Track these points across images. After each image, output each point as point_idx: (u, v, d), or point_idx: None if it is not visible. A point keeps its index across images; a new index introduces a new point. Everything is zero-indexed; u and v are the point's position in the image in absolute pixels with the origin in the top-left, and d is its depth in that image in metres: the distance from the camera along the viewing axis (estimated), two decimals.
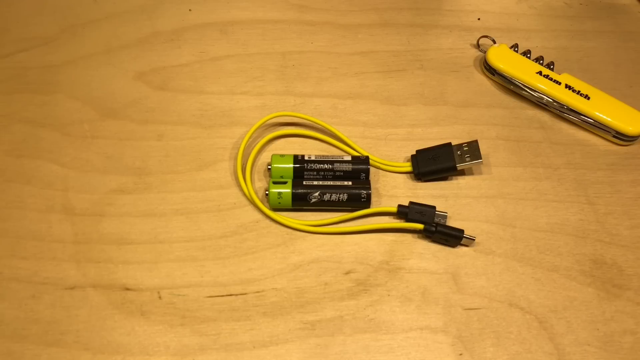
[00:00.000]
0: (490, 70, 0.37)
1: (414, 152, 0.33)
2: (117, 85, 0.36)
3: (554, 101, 0.36)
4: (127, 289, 0.29)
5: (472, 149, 0.32)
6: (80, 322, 0.28)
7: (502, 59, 0.37)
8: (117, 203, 0.32)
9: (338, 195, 0.31)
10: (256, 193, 0.32)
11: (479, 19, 0.42)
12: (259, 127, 0.34)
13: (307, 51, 0.39)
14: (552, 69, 0.37)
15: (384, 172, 0.34)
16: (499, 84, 0.38)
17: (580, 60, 0.39)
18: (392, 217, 0.32)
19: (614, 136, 0.35)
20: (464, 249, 0.31)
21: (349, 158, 0.32)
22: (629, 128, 0.34)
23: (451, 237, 0.30)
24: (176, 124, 0.35)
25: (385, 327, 0.28)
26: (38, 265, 0.29)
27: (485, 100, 0.37)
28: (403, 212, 0.31)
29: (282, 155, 0.32)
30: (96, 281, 0.29)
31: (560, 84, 0.36)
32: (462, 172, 0.34)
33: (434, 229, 0.30)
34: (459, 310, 0.29)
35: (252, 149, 0.33)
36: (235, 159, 0.33)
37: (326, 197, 0.31)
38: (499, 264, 0.30)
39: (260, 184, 0.33)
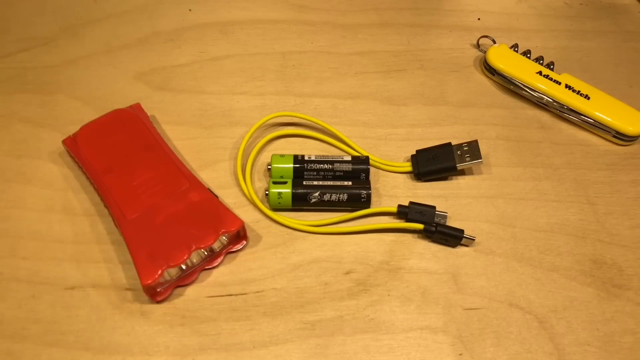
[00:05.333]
0: (490, 70, 0.37)
1: (414, 152, 0.33)
2: (117, 85, 0.36)
3: (554, 101, 0.36)
4: (127, 289, 0.29)
5: (472, 149, 0.32)
6: (80, 322, 0.28)
7: (502, 59, 0.37)
8: None
9: (338, 195, 0.31)
10: (256, 193, 0.32)
11: (479, 19, 0.42)
12: (259, 127, 0.34)
13: (307, 51, 0.39)
14: (552, 69, 0.37)
15: (384, 172, 0.34)
16: (499, 84, 0.38)
17: (580, 60, 0.39)
18: (392, 217, 0.32)
19: (614, 136, 0.35)
20: (464, 249, 0.31)
21: (349, 158, 0.32)
22: (629, 128, 0.34)
23: (451, 237, 0.30)
24: (176, 124, 0.35)
25: (385, 327, 0.28)
26: (38, 265, 0.29)
27: (485, 100, 0.37)
28: (403, 212, 0.31)
29: (282, 155, 0.32)
30: (96, 281, 0.29)
31: (560, 84, 0.36)
32: (462, 172, 0.34)
33: (434, 229, 0.30)
34: (459, 310, 0.29)
35: (252, 149, 0.33)
36: (235, 159, 0.33)
37: (326, 197, 0.31)
38: (499, 264, 0.30)
39: (260, 184, 0.33)
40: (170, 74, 0.37)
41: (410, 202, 0.31)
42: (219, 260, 0.29)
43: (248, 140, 0.34)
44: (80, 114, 0.35)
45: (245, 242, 0.30)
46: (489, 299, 0.29)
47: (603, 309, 0.29)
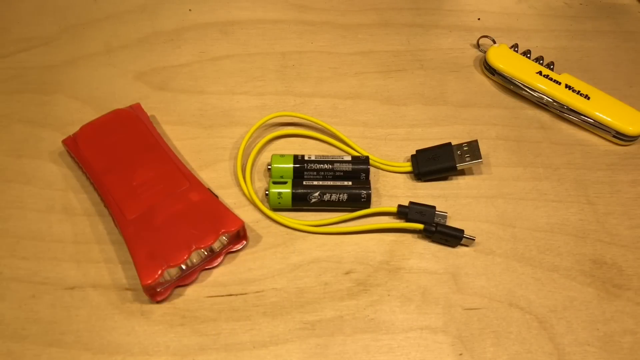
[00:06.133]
0: (490, 70, 0.37)
1: (414, 152, 0.33)
2: (117, 85, 0.36)
3: (554, 101, 0.36)
4: (127, 289, 0.29)
5: (472, 149, 0.32)
6: (80, 322, 0.28)
7: (502, 59, 0.37)
8: None
9: (338, 195, 0.31)
10: (256, 193, 0.32)
11: (479, 19, 0.42)
12: (259, 127, 0.34)
13: (307, 51, 0.39)
14: (552, 69, 0.37)
15: (384, 172, 0.34)
16: (499, 84, 0.38)
17: (580, 60, 0.39)
18: (392, 217, 0.32)
19: (614, 136, 0.35)
20: (464, 249, 0.31)
21: (349, 158, 0.32)
22: (629, 128, 0.34)
23: (451, 237, 0.30)
24: (176, 124, 0.35)
25: (385, 327, 0.28)
26: (38, 265, 0.29)
27: (485, 100, 0.37)
28: (403, 212, 0.31)
29: (282, 155, 0.32)
30: (96, 281, 0.29)
31: (560, 84, 0.36)
32: (462, 172, 0.34)
33: (434, 229, 0.30)
34: (459, 310, 0.29)
35: (252, 149, 0.33)
36: (235, 159, 0.33)
37: (326, 197, 0.31)
38: (499, 264, 0.30)
39: (260, 184, 0.33)
40: (170, 74, 0.37)
41: (410, 202, 0.31)
42: (219, 260, 0.29)
43: (248, 140, 0.34)
44: (80, 114, 0.35)
45: (245, 242, 0.30)
46: (489, 299, 0.29)
47: (603, 309, 0.29)
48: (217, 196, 0.30)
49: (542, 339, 0.28)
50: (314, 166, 0.32)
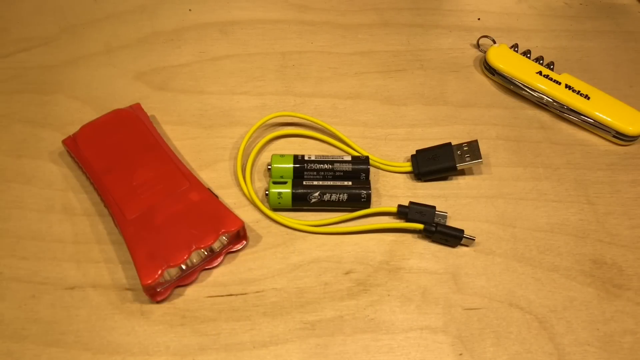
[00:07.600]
0: (490, 70, 0.37)
1: (414, 152, 0.33)
2: (117, 85, 0.36)
3: (554, 101, 0.36)
4: (127, 289, 0.29)
5: (472, 149, 0.32)
6: (80, 322, 0.28)
7: (502, 59, 0.37)
8: None
9: (338, 195, 0.31)
10: (256, 193, 0.32)
11: (479, 19, 0.42)
12: (259, 127, 0.34)
13: (307, 51, 0.39)
14: (552, 69, 0.37)
15: (384, 172, 0.34)
16: (499, 84, 0.38)
17: (580, 60, 0.39)
18: (392, 217, 0.32)
19: (614, 136, 0.35)
20: (464, 249, 0.31)
21: (349, 158, 0.32)
22: (629, 128, 0.34)
23: (451, 237, 0.30)
24: (176, 124, 0.35)
25: (385, 327, 0.28)
26: (38, 265, 0.29)
27: (485, 100, 0.37)
28: (403, 212, 0.31)
29: (282, 155, 0.32)
30: (96, 281, 0.29)
31: (560, 84, 0.36)
32: (462, 172, 0.34)
33: (434, 229, 0.30)
34: (459, 310, 0.29)
35: (252, 149, 0.33)
36: (235, 159, 0.33)
37: (326, 197, 0.31)
38: (499, 264, 0.30)
39: (260, 184, 0.33)
40: (170, 74, 0.37)
41: (410, 202, 0.31)
42: (219, 260, 0.30)
43: (248, 140, 0.34)
44: (80, 114, 0.35)
45: (245, 242, 0.30)
46: (489, 299, 0.29)
47: (603, 309, 0.29)
48: (217, 196, 0.30)
49: (542, 339, 0.28)
50: (314, 166, 0.32)
